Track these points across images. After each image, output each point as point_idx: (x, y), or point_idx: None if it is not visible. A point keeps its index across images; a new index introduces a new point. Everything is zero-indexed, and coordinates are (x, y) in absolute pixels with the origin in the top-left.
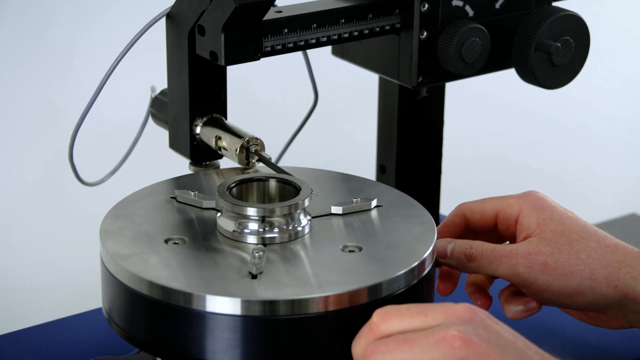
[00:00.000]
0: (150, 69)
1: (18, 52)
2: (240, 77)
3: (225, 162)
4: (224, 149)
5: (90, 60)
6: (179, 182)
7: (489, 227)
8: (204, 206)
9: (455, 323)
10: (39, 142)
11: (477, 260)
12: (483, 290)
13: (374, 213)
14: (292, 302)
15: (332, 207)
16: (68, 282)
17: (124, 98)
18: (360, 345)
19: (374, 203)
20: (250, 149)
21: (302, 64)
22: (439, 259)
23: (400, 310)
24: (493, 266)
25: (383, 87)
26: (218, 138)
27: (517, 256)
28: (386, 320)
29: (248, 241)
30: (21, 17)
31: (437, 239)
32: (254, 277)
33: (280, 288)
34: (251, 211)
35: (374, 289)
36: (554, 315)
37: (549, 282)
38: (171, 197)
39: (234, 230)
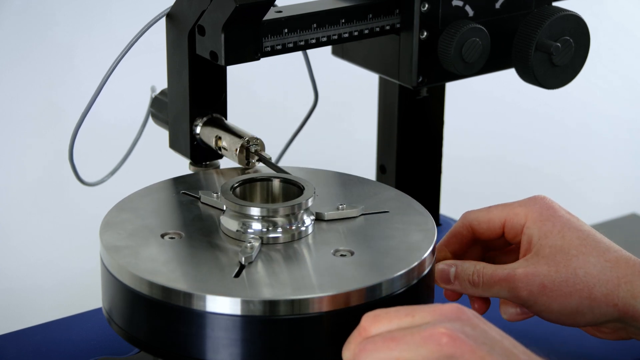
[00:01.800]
0: (150, 69)
1: (18, 52)
2: (240, 77)
3: (226, 162)
4: (224, 149)
5: (90, 60)
6: (185, 182)
7: (497, 236)
8: (210, 204)
9: (442, 321)
10: (39, 142)
11: (479, 286)
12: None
13: (379, 218)
14: (292, 302)
15: (336, 210)
16: (68, 282)
17: (124, 98)
18: (350, 349)
19: (381, 208)
20: (250, 149)
21: (302, 64)
22: (442, 285)
23: (389, 313)
24: (494, 290)
25: (383, 87)
26: (218, 138)
27: (515, 279)
28: (375, 323)
29: (250, 241)
30: (21, 17)
31: (444, 252)
32: (242, 266)
33: (255, 288)
34: (254, 211)
35: (372, 290)
36: None
37: (547, 303)
38: (182, 192)
39: (237, 230)
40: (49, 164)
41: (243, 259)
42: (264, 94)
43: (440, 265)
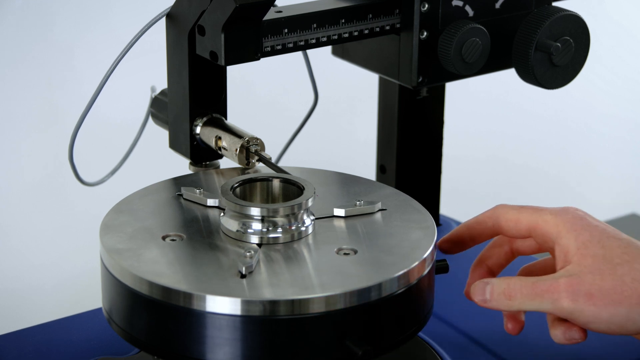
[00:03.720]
0: (150, 69)
1: (18, 52)
2: (240, 77)
3: (226, 162)
4: (224, 149)
5: (91, 60)
6: (184, 182)
7: (520, 236)
8: (207, 204)
9: None
10: (39, 142)
11: (517, 299)
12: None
13: (376, 216)
14: (292, 302)
15: (335, 209)
16: (68, 282)
17: (124, 98)
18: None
19: (377, 206)
20: (250, 149)
21: (302, 64)
22: (480, 304)
23: None
24: (535, 303)
25: (383, 87)
26: (218, 138)
27: (559, 290)
28: None
29: (251, 241)
30: (21, 16)
31: (464, 230)
32: (242, 276)
33: (262, 288)
34: (254, 211)
35: (355, 293)
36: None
37: (596, 312)
38: (178, 194)
39: (237, 230)
40: (49, 164)
41: (243, 268)
42: (264, 94)
43: (477, 283)
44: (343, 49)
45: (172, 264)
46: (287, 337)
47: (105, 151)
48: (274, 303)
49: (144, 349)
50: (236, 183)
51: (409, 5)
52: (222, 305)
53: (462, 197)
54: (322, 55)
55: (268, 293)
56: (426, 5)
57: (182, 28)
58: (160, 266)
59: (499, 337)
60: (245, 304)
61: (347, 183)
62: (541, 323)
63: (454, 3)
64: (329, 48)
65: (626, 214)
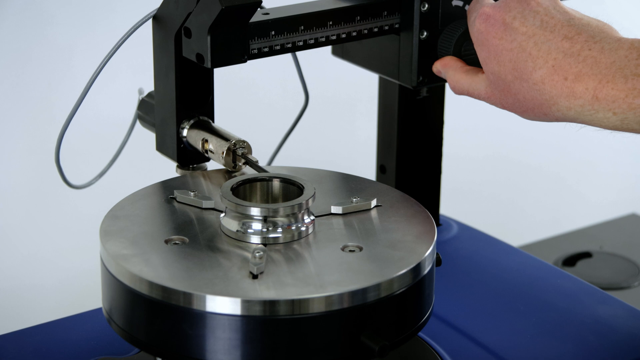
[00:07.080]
0: (142, 71)
1: (18, 52)
2: (240, 77)
3: (213, 165)
4: (211, 151)
5: (90, 60)
6: (173, 185)
7: None
8: (203, 206)
9: None
10: (39, 142)
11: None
12: None
13: (373, 213)
14: (293, 302)
15: (332, 207)
16: (68, 282)
17: (112, 101)
18: None
19: (373, 203)
20: (237, 152)
21: (302, 63)
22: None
23: None
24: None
25: (383, 87)
26: (205, 141)
27: (482, 97)
28: None
29: (251, 241)
30: (21, 17)
31: None
32: (254, 277)
33: (281, 288)
34: (255, 211)
35: (373, 288)
36: (554, 315)
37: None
38: (170, 197)
39: (237, 230)
40: (49, 163)
41: (255, 269)
42: (262, 94)
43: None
44: (343, 49)
45: (180, 267)
46: (299, 335)
47: (93, 153)
48: (294, 302)
49: (144, 349)
50: (236, 183)
51: (409, 5)
52: (223, 305)
53: (462, 197)
54: (322, 55)
55: (287, 293)
56: (426, 5)
57: (168, 30)
58: (161, 267)
59: (499, 337)
60: (253, 304)
61: (339, 181)
62: (541, 324)
63: (454, 3)
64: (328, 48)
65: (626, 214)
